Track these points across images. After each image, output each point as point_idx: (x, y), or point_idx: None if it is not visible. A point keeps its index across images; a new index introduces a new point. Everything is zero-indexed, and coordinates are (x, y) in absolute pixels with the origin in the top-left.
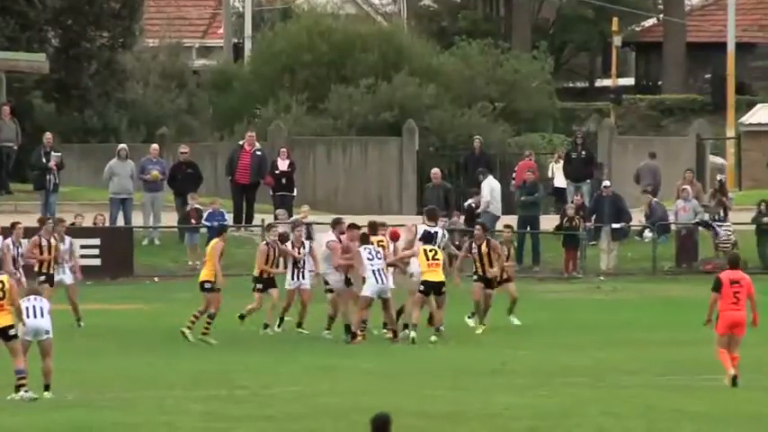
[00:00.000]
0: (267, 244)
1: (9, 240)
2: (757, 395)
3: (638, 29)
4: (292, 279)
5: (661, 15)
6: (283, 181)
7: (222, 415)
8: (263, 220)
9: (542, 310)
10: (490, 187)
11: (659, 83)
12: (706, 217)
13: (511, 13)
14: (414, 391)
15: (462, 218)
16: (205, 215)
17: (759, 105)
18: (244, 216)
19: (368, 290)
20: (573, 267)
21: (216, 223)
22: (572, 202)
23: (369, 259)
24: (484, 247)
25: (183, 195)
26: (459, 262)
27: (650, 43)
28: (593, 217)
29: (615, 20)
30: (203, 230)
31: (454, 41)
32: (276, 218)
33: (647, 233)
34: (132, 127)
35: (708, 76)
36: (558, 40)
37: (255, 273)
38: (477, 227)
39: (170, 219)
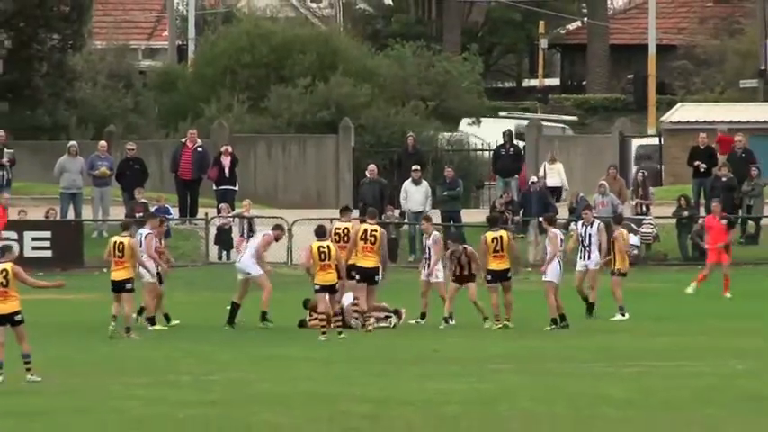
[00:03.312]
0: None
1: None
2: (677, 382)
3: (563, 31)
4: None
5: (585, 18)
6: (226, 176)
7: (167, 400)
8: (206, 214)
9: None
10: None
11: (584, 83)
12: (626, 212)
13: (442, 17)
14: (351, 377)
15: (397, 212)
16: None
17: (679, 104)
18: (188, 210)
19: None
20: None
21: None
22: (501, 197)
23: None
24: (464, 257)
25: (130, 190)
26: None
27: (575, 45)
28: (522, 211)
29: (542, 23)
30: None
31: (388, 44)
32: (219, 212)
33: (572, 226)
34: (81, 125)
35: (630, 76)
36: (487, 43)
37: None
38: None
39: (118, 212)
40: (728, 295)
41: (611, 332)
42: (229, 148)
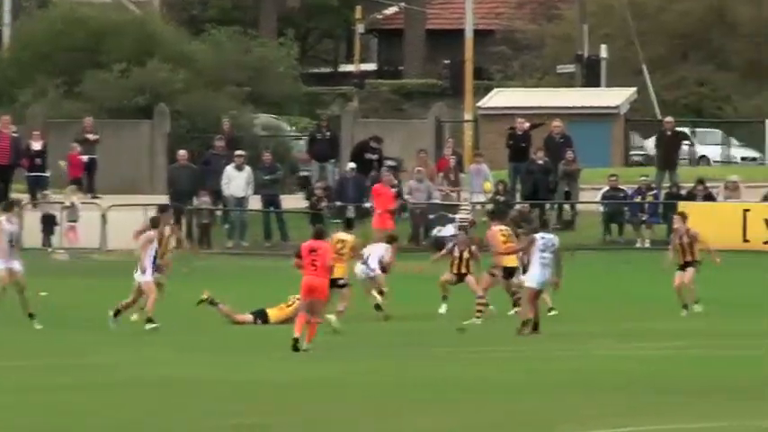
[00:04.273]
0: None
1: None
2: (515, 365)
3: (380, 16)
4: None
5: (402, 3)
6: (37, 162)
7: (36, 386)
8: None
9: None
10: None
11: (400, 68)
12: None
13: (259, 2)
14: (216, 361)
15: (208, 198)
16: None
17: (495, 90)
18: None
19: None
20: None
21: None
22: (317, 182)
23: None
24: (466, 253)
25: None
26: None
27: (392, 30)
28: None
29: (358, 8)
30: None
31: (205, 29)
32: (34, 197)
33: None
34: None
35: (447, 61)
36: (304, 28)
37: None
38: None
39: None
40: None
41: (419, 318)
42: (41, 134)
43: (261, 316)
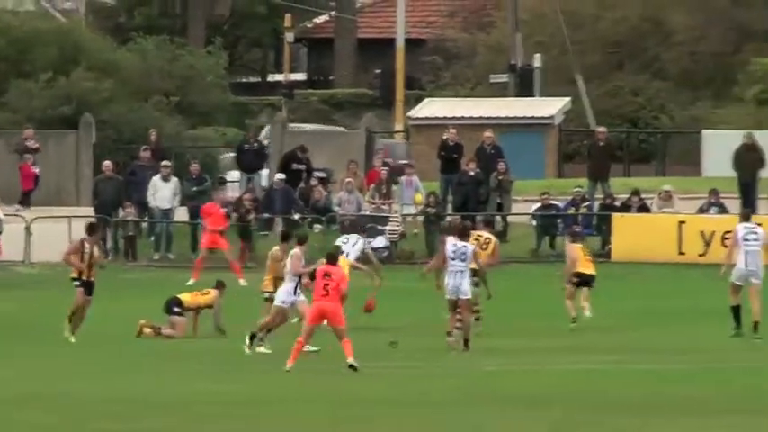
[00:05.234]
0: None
1: None
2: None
3: (310, 25)
4: None
5: (333, 12)
6: None
7: None
8: None
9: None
10: None
11: (330, 78)
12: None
13: (186, 10)
14: (113, 377)
15: (133, 209)
16: None
17: (427, 100)
18: None
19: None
20: (248, 257)
21: None
22: (246, 193)
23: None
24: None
25: None
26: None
27: (322, 39)
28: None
29: (288, 16)
30: None
31: (131, 37)
32: None
33: (317, 225)
34: None
35: (378, 71)
36: (233, 36)
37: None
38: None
39: None
40: None
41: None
42: None
43: (175, 303)
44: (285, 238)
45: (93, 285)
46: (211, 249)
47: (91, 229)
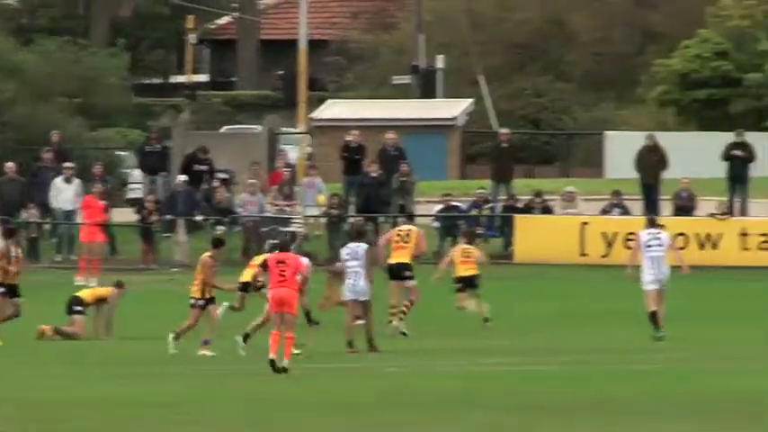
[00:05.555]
0: None
1: None
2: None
3: (212, 26)
4: None
5: (236, 13)
6: None
7: None
8: None
9: (130, 302)
10: None
11: (233, 79)
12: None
13: (89, 11)
14: (23, 380)
15: (36, 210)
16: None
17: (329, 101)
18: None
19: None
20: (151, 259)
21: None
22: (149, 194)
23: None
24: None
25: None
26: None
27: (225, 40)
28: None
29: (191, 17)
30: None
31: (34, 38)
32: None
33: (220, 226)
34: None
35: (280, 72)
36: (135, 37)
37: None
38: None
39: None
40: None
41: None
42: None
43: (76, 302)
44: (217, 244)
45: (16, 288)
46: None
47: (10, 232)
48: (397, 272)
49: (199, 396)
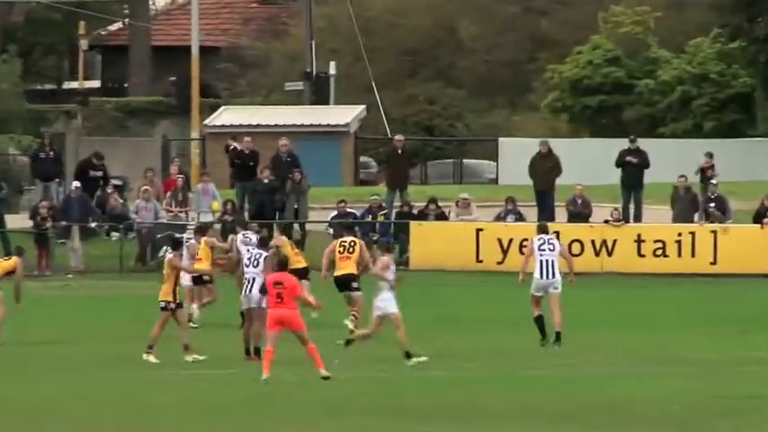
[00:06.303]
0: None
1: None
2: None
3: (104, 32)
4: None
5: (127, 20)
6: None
7: None
8: None
9: (26, 308)
10: None
11: (125, 85)
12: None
13: None
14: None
15: None
16: None
17: (222, 108)
18: None
19: None
20: (45, 265)
21: None
22: (42, 201)
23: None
24: None
25: None
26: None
27: (116, 46)
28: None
29: (83, 23)
30: None
31: None
32: None
33: (114, 233)
34: None
35: (173, 78)
36: (27, 43)
37: None
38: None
39: None
40: None
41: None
42: None
43: None
44: (176, 245)
45: None
46: None
47: None
48: (345, 283)
49: (80, 398)
